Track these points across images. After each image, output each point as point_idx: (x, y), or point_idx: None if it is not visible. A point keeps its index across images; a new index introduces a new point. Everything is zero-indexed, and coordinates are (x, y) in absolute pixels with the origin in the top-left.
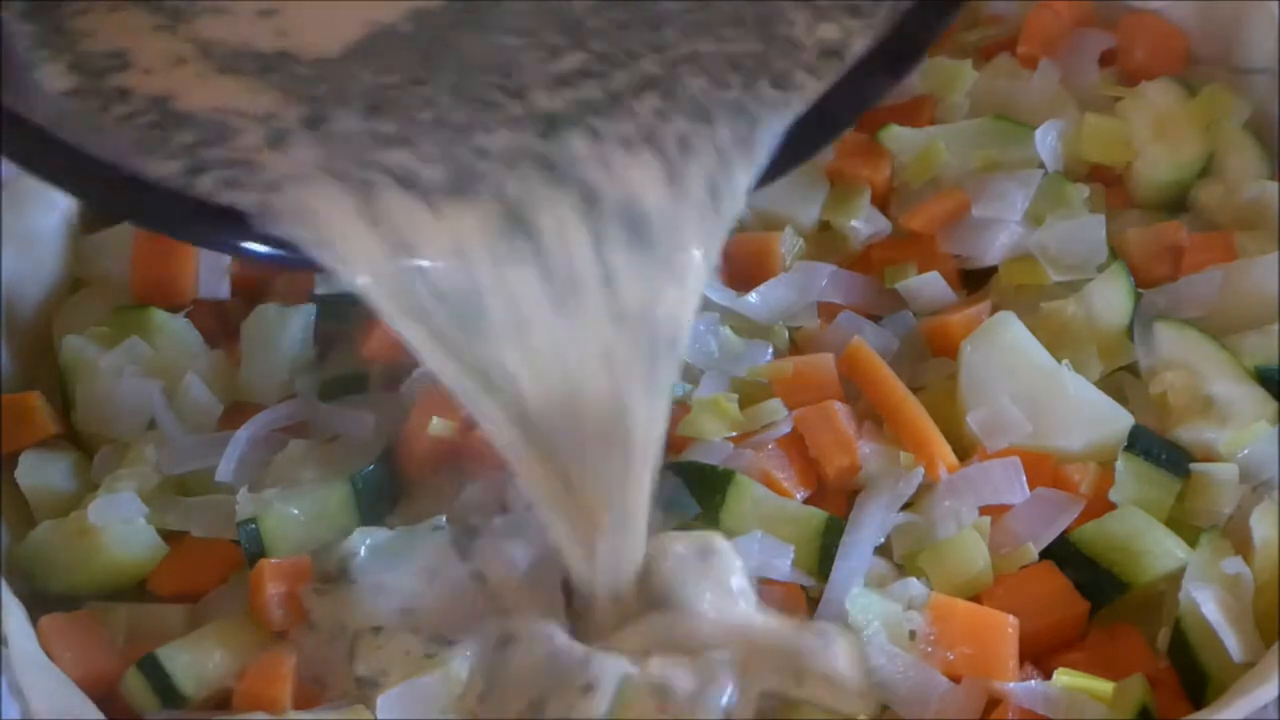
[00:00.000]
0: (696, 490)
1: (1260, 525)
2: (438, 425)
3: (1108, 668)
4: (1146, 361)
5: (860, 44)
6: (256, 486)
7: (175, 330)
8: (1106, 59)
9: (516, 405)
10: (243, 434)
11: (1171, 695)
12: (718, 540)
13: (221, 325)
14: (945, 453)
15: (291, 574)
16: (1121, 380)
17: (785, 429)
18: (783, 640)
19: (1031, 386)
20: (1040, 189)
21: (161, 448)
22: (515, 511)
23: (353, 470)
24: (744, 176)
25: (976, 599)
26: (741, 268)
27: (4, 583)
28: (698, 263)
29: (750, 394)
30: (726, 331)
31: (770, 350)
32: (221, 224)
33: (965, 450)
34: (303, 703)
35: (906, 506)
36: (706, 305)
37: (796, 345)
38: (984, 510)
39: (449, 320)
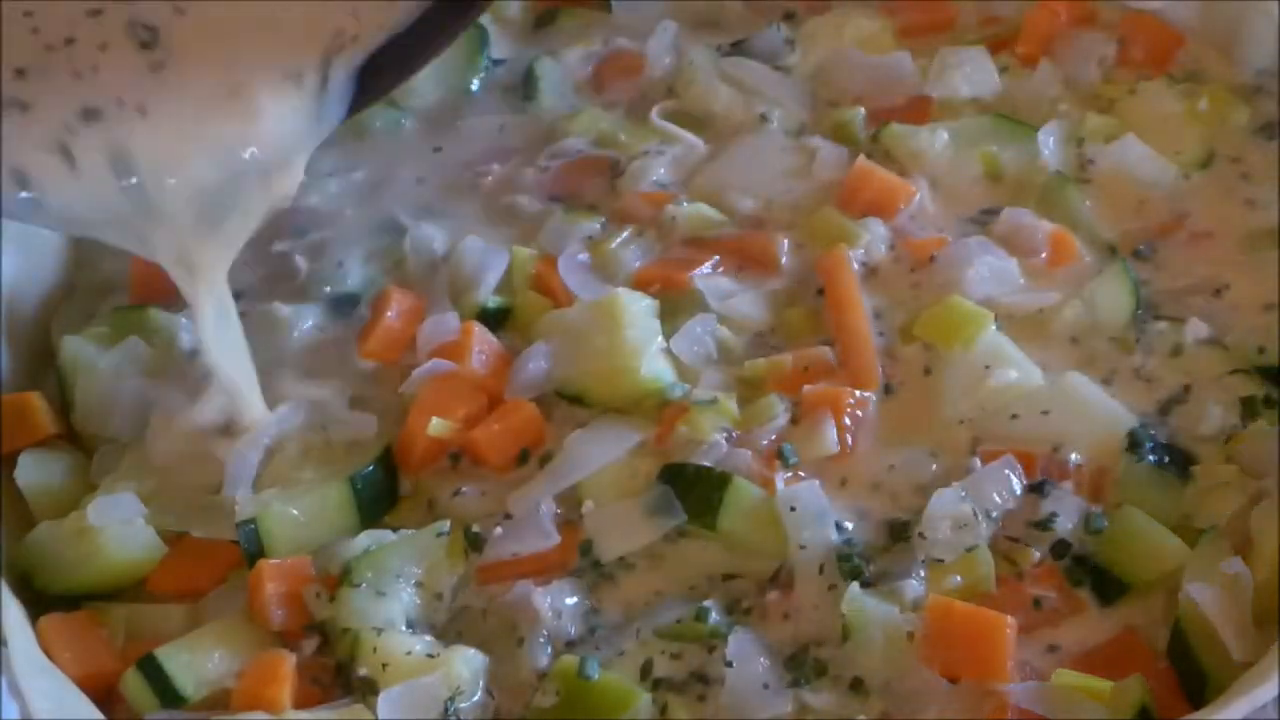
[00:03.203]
0: (690, 493)
1: (1260, 525)
2: (437, 425)
3: (1107, 668)
4: (1147, 361)
5: None
6: (256, 486)
7: (174, 330)
8: (1106, 59)
9: None
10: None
11: (1171, 695)
12: None
13: None
14: (870, 379)
15: (291, 574)
16: (1122, 380)
17: (783, 422)
18: None
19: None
20: (1041, 190)
21: None
22: (518, 518)
23: (352, 470)
24: None
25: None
26: (740, 268)
27: (4, 583)
28: None
29: (749, 393)
30: (725, 331)
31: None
32: None
33: (956, 451)
34: (303, 703)
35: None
36: (704, 306)
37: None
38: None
39: None
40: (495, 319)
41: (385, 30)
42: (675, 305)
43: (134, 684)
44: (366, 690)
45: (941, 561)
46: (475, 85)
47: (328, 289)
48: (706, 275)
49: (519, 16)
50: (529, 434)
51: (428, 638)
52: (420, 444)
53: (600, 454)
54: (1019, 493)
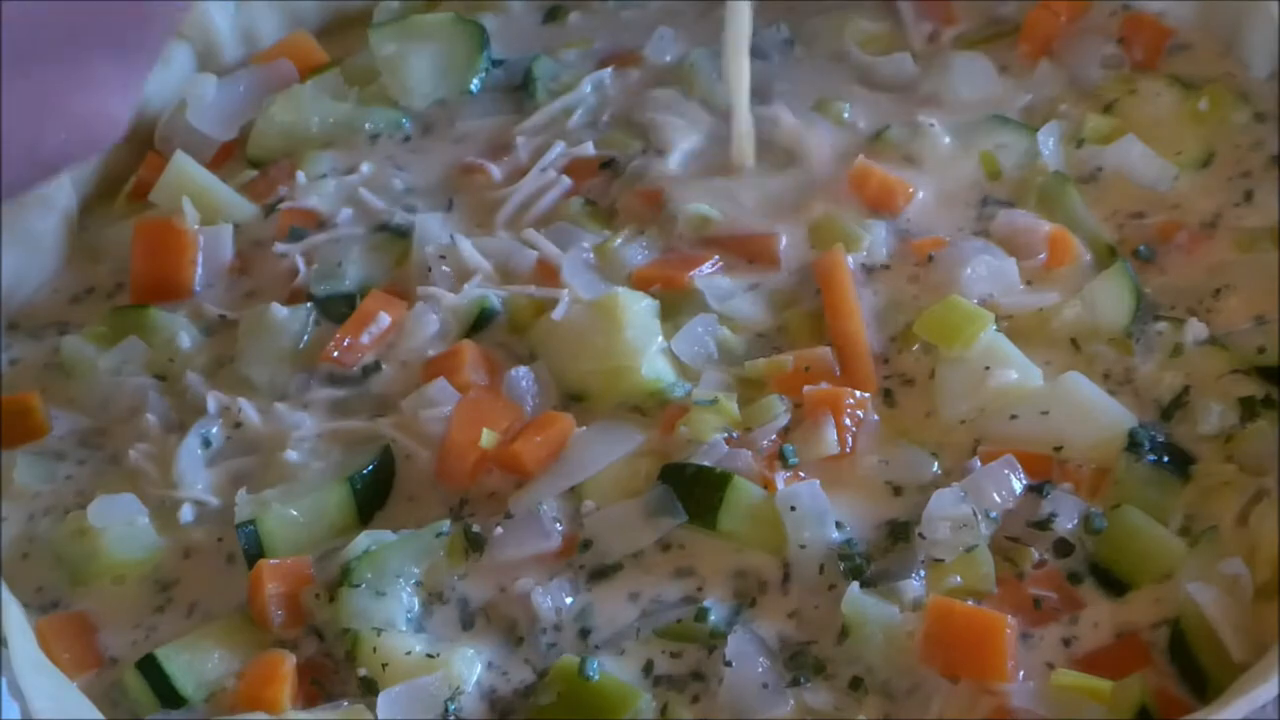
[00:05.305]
0: (690, 493)
1: (1260, 525)
2: (489, 437)
3: (1107, 668)
4: (1147, 361)
5: None
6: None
7: (174, 330)
8: (1107, 59)
9: None
10: None
11: (1171, 695)
12: None
13: (220, 326)
14: (868, 382)
15: (290, 575)
16: (1122, 380)
17: (784, 422)
18: None
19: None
20: (1041, 190)
21: None
22: (518, 518)
23: (351, 471)
24: None
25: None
26: (740, 268)
27: (4, 583)
28: None
29: (749, 393)
30: (725, 331)
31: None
32: None
33: (956, 451)
34: (303, 703)
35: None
36: (704, 306)
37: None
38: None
39: None
40: (493, 318)
41: None
42: (675, 305)
43: (134, 684)
44: (366, 690)
45: (941, 561)
46: (475, 85)
47: (324, 289)
48: (706, 275)
49: (521, 15)
50: (564, 445)
51: (428, 637)
52: (471, 457)
53: (601, 454)
54: (1019, 493)
